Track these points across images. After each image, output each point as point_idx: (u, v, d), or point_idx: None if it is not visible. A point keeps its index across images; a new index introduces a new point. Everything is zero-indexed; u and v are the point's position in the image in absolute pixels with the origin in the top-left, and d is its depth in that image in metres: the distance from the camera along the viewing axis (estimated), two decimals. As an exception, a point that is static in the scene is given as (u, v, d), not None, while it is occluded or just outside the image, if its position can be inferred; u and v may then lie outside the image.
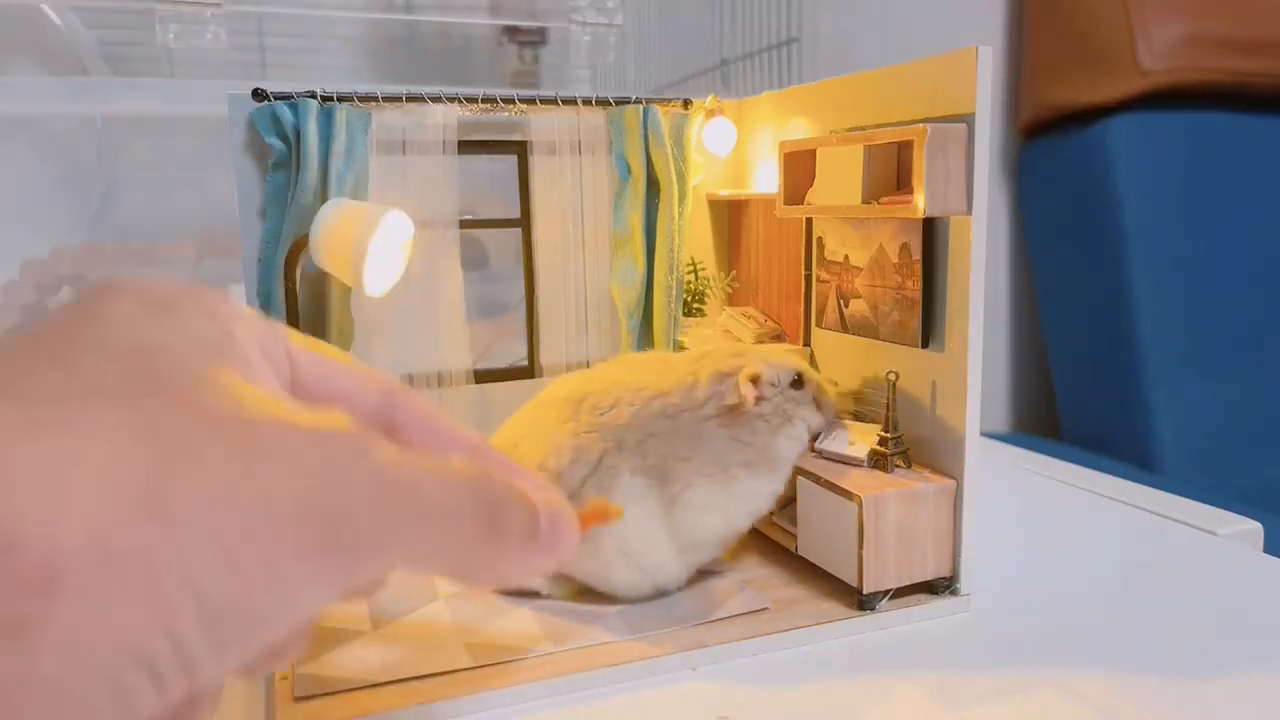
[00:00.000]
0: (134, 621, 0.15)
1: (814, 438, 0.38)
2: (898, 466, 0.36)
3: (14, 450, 0.14)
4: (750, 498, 0.36)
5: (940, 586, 0.36)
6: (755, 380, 0.36)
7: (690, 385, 0.36)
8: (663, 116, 0.46)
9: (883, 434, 0.36)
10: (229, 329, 0.21)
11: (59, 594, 0.14)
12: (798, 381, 0.37)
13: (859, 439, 0.37)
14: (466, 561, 0.23)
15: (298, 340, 0.24)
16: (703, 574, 0.38)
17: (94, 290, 0.20)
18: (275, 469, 0.18)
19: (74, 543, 0.14)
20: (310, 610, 0.20)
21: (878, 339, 0.39)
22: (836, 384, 0.40)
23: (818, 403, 0.38)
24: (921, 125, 0.33)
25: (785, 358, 0.38)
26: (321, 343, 0.25)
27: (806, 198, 0.41)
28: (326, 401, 0.24)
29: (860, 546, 0.34)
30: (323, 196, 0.40)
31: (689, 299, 0.49)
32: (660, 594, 0.36)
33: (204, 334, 0.20)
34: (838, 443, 0.37)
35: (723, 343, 0.43)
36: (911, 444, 0.37)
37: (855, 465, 0.36)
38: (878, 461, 0.36)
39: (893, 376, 0.36)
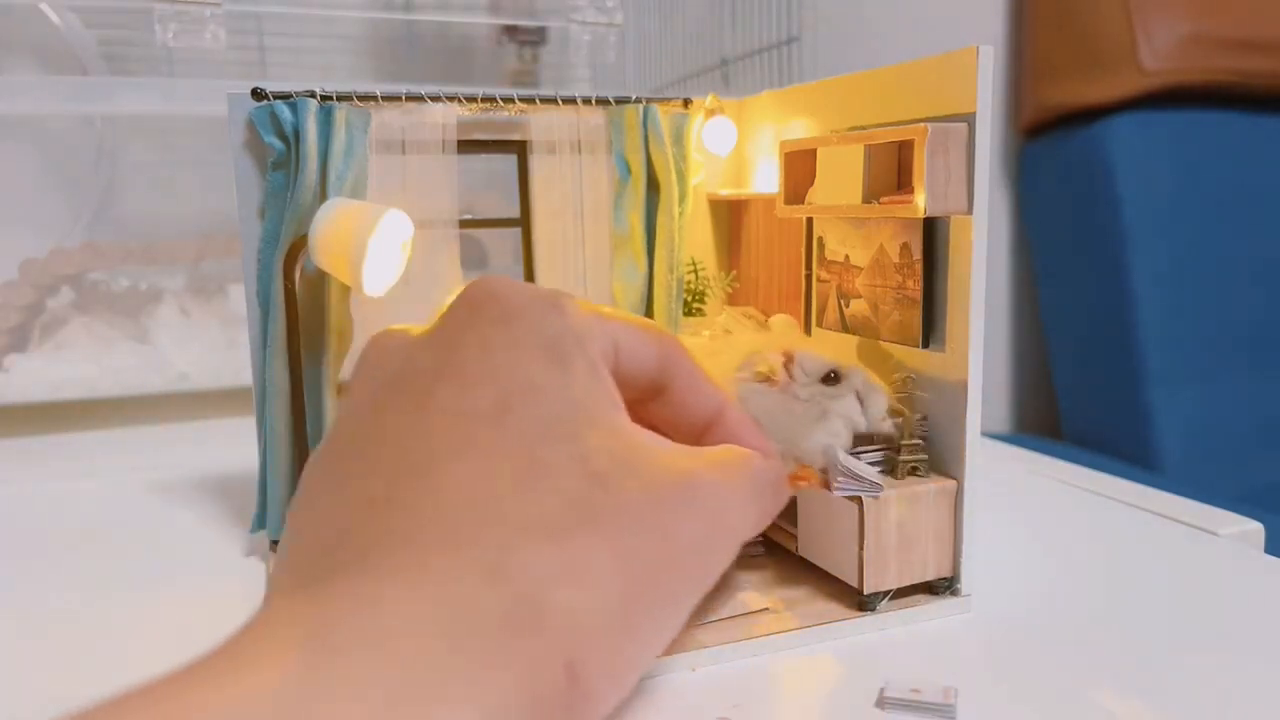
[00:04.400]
0: (616, 705, 0.20)
1: (862, 437, 0.36)
2: (912, 473, 0.35)
3: (559, 592, 0.19)
4: None
5: (940, 586, 0.36)
6: (788, 358, 0.35)
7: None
8: (663, 116, 0.46)
9: (900, 441, 0.36)
10: (602, 370, 0.24)
11: (595, 702, 0.19)
12: (831, 378, 0.36)
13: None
14: (750, 534, 0.26)
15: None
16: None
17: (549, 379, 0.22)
18: (681, 543, 0.22)
19: (595, 671, 0.19)
20: None
21: (879, 339, 0.39)
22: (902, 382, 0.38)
23: (862, 402, 0.36)
24: (922, 124, 0.33)
25: (824, 352, 0.37)
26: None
27: (807, 197, 0.41)
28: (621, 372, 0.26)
29: (861, 547, 0.34)
30: (322, 196, 0.40)
31: (689, 299, 0.49)
32: None
33: (590, 395, 0.23)
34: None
35: (751, 334, 0.41)
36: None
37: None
38: (889, 467, 0.36)
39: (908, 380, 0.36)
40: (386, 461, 0.21)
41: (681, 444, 0.24)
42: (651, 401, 0.27)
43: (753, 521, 0.25)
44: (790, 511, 0.38)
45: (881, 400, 0.36)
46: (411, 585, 0.18)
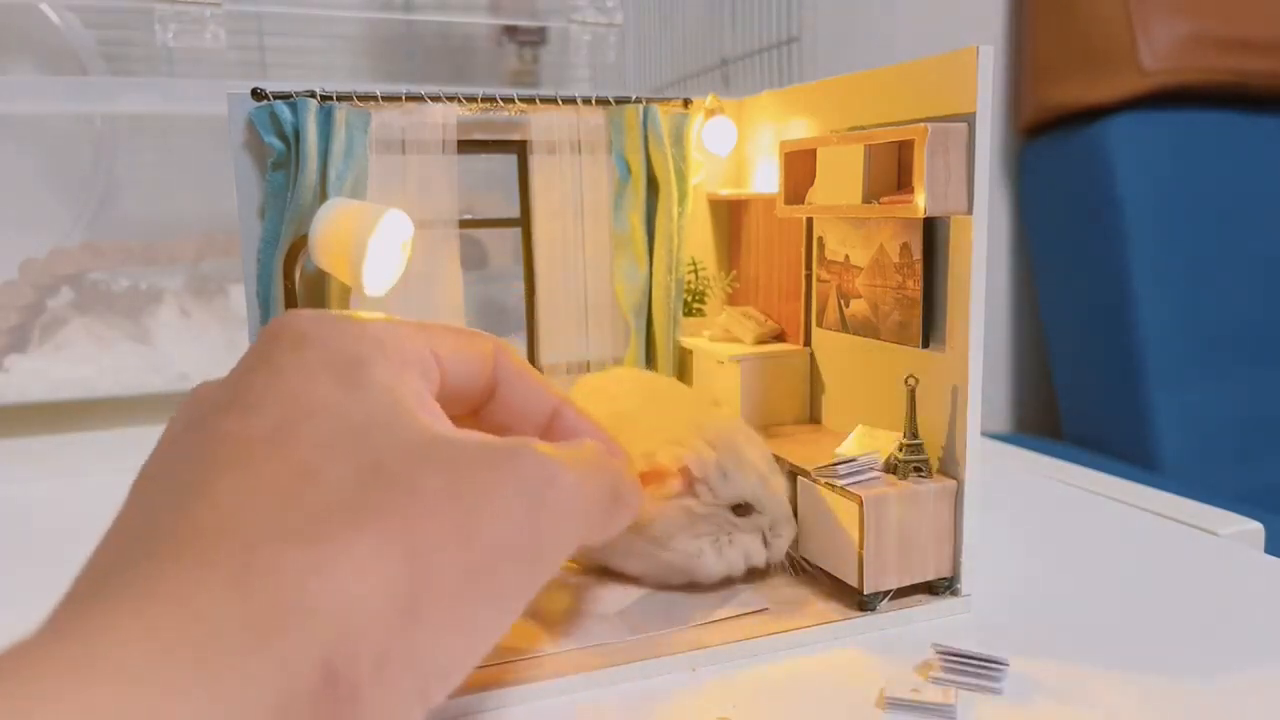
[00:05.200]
0: (410, 708, 0.19)
1: (754, 570, 0.36)
2: (915, 473, 0.35)
3: (317, 588, 0.18)
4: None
5: (940, 586, 0.36)
6: (687, 480, 0.35)
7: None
8: (662, 116, 0.46)
9: (903, 441, 0.36)
10: (407, 377, 0.23)
11: (361, 703, 0.18)
12: (741, 509, 0.35)
13: (872, 446, 0.37)
14: (595, 538, 0.26)
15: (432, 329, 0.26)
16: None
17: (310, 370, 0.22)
18: (491, 529, 0.21)
19: (364, 669, 0.18)
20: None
21: (878, 339, 0.39)
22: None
23: (767, 540, 0.36)
24: (922, 124, 0.33)
25: (749, 468, 0.35)
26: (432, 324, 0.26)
27: (807, 197, 0.41)
28: (451, 380, 0.26)
29: (860, 546, 0.34)
30: (322, 196, 0.40)
31: (689, 299, 0.49)
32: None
33: (393, 401, 0.22)
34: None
35: (699, 408, 0.39)
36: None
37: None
38: (893, 468, 0.36)
39: (912, 382, 0.35)
40: (159, 489, 0.21)
41: None
42: (484, 408, 0.27)
43: (589, 504, 0.24)
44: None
45: (789, 533, 0.36)
46: (142, 602, 0.17)
